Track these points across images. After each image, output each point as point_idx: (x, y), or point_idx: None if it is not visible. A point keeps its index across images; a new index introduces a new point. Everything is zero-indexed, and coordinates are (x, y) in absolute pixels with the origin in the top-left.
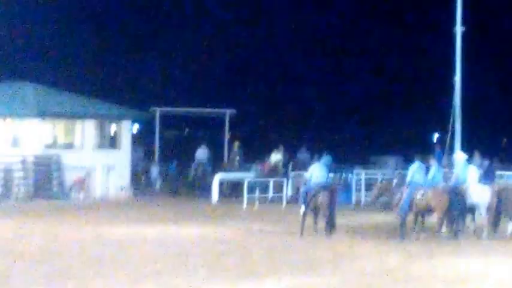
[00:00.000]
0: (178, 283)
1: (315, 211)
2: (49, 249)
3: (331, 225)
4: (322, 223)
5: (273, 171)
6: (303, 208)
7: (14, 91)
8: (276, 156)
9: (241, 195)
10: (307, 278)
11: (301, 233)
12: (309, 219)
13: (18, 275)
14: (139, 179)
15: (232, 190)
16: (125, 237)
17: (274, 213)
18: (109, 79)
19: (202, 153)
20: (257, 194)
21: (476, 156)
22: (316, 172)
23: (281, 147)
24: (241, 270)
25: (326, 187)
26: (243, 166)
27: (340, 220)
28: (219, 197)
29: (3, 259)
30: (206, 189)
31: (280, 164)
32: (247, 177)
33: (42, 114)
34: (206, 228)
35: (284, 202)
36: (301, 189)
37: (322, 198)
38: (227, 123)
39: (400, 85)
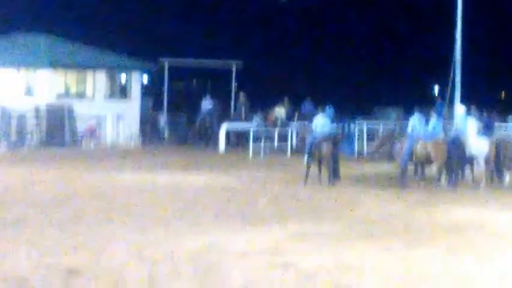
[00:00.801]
0: (185, 229)
1: (319, 161)
2: (61, 196)
3: (334, 175)
4: (325, 173)
5: (275, 124)
6: (306, 158)
7: (27, 42)
8: (279, 110)
9: (248, 144)
10: (311, 225)
11: (305, 183)
12: (313, 169)
13: (32, 221)
14: (148, 129)
15: (238, 140)
16: (134, 184)
17: (279, 163)
18: (119, 31)
19: (207, 104)
20: (263, 143)
21: (473, 110)
22: (320, 123)
23: (286, 100)
24: (247, 217)
25: (329, 138)
26: (249, 116)
27: (343, 170)
28: (226, 146)
29: (16, 205)
30: (212, 139)
31: (283, 118)
32: (252, 127)
33: (55, 64)
34: (213, 177)
35: (289, 152)
36: (307, 140)
37: (326, 148)
38: (234, 75)
39: (401, 39)
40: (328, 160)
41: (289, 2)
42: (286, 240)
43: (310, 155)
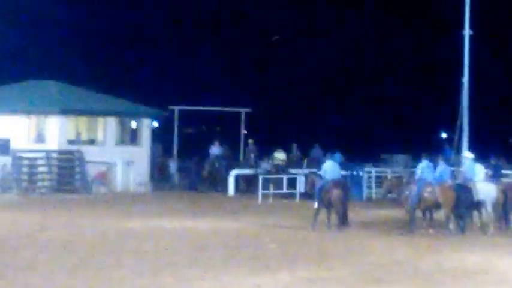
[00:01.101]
0: (194, 274)
1: (328, 207)
2: (72, 241)
3: (344, 221)
4: (334, 218)
5: (276, 170)
6: (316, 204)
7: (39, 89)
8: (279, 155)
9: (256, 190)
10: (319, 271)
11: (313, 228)
12: (322, 215)
13: (42, 266)
14: (158, 174)
15: (247, 185)
16: (144, 229)
17: (288, 208)
18: (130, 78)
19: (216, 149)
20: (271, 189)
21: (492, 161)
22: (330, 168)
23: (294, 146)
24: (256, 263)
25: (339, 184)
26: (258, 162)
27: (351, 215)
28: (235, 191)
29: (28, 250)
30: (221, 184)
31: (282, 164)
32: (261, 172)
33: (65, 110)
34: (222, 222)
35: (298, 197)
36: (316, 186)
37: (336, 193)
38: (243, 121)
39: (410, 85)
40: (338, 205)
41: (281, 39)
42: (294, 286)
43: (320, 199)
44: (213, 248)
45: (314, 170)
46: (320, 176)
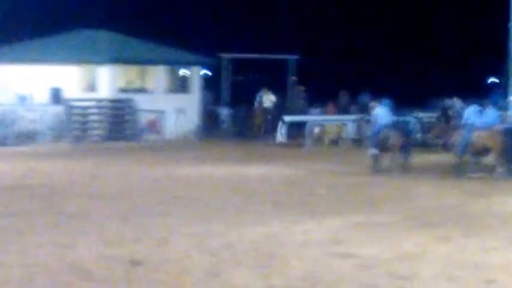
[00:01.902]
0: (245, 220)
1: (385, 151)
2: (123, 188)
3: (406, 165)
4: (388, 163)
5: (265, 113)
6: (372, 149)
7: (89, 38)
8: (267, 97)
9: (305, 136)
10: (368, 215)
11: (374, 173)
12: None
13: (94, 213)
14: (208, 122)
15: (296, 132)
16: (194, 176)
17: (336, 154)
18: (180, 26)
19: (265, 96)
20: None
21: None
22: (382, 114)
23: (343, 93)
24: (305, 209)
25: (398, 127)
26: (307, 109)
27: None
28: (284, 138)
29: (79, 198)
30: (271, 131)
31: (270, 106)
32: (310, 119)
33: (116, 60)
34: (271, 168)
35: (344, 143)
36: (368, 131)
37: (396, 138)
38: (291, 68)
39: (458, 31)
40: (398, 150)
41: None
42: (344, 231)
43: (377, 145)
44: (262, 194)
45: (362, 115)
46: (368, 121)
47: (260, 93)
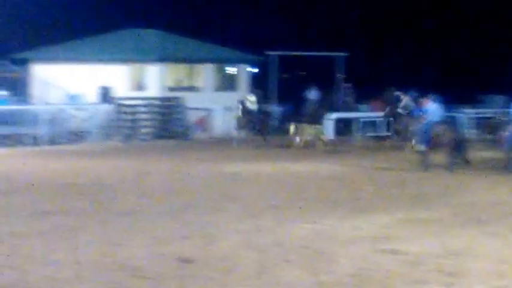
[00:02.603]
0: (293, 216)
1: (436, 148)
2: (172, 186)
3: (464, 161)
4: (437, 159)
5: (250, 116)
6: (420, 146)
7: (138, 37)
8: (250, 98)
9: (353, 133)
10: (418, 211)
11: (423, 169)
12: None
13: (145, 211)
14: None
15: (344, 129)
16: (244, 173)
17: (385, 150)
18: (227, 24)
19: (314, 94)
20: (368, 132)
21: None
22: (433, 110)
23: (390, 89)
24: (354, 205)
25: (448, 124)
26: (355, 106)
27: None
28: (333, 135)
29: (130, 196)
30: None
31: (254, 107)
32: (359, 116)
33: (165, 59)
34: (320, 165)
35: (393, 140)
36: (416, 128)
37: (450, 135)
38: (339, 65)
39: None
40: (452, 147)
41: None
42: (393, 227)
43: (427, 141)
44: (310, 191)
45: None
46: (411, 116)
47: (310, 91)
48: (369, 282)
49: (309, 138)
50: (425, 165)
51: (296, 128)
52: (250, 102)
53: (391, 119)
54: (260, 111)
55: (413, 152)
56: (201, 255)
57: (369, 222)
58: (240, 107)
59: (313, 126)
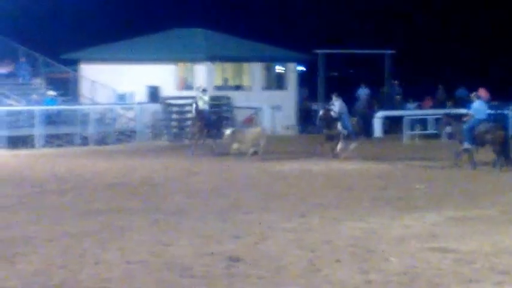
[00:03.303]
0: (342, 215)
1: (481, 146)
2: (221, 185)
3: (508, 160)
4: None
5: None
6: (466, 144)
7: (186, 37)
8: (204, 97)
9: (401, 131)
10: (467, 210)
11: (474, 167)
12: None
13: (193, 210)
14: (305, 118)
15: (392, 126)
16: (291, 172)
17: (433, 148)
18: (274, 23)
19: (363, 92)
20: (417, 130)
21: None
22: (479, 108)
23: (441, 88)
24: (403, 204)
25: (496, 124)
26: (403, 104)
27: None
28: (380, 133)
29: (178, 195)
30: (367, 126)
31: (205, 107)
32: (407, 114)
33: (212, 58)
34: (368, 163)
35: (442, 137)
36: (463, 126)
37: (499, 134)
38: (387, 63)
39: None
40: (498, 145)
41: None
42: (442, 225)
43: (472, 139)
44: (359, 189)
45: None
46: (449, 115)
47: (360, 89)
48: (419, 281)
49: (245, 146)
50: (472, 163)
51: (233, 133)
52: (203, 101)
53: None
54: (211, 112)
55: (460, 150)
56: (250, 254)
57: (418, 221)
58: (194, 106)
59: (255, 132)
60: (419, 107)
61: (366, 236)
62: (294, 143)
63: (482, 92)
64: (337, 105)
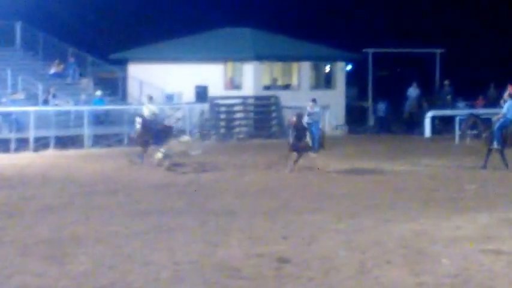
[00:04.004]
0: (393, 217)
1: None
2: (269, 185)
3: None
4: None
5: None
6: (494, 144)
7: (234, 36)
8: (150, 107)
9: (453, 131)
10: None
11: (506, 167)
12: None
13: (242, 211)
14: (355, 117)
15: (443, 126)
16: (341, 172)
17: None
18: (322, 22)
19: (414, 91)
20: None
21: None
22: (507, 107)
23: (491, 85)
24: (455, 205)
25: None
26: (454, 103)
27: None
28: (431, 133)
29: (227, 196)
30: (417, 126)
31: (154, 116)
32: (459, 113)
33: (260, 57)
34: (419, 164)
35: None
36: (495, 126)
37: None
38: (438, 62)
39: None
40: None
41: None
42: (495, 227)
43: (500, 139)
44: (410, 190)
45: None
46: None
47: (410, 88)
48: (472, 283)
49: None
50: (505, 163)
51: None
52: (149, 110)
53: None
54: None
55: (487, 151)
56: (299, 255)
57: (470, 222)
58: (139, 119)
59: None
60: (471, 107)
61: (417, 237)
62: (343, 143)
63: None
64: (314, 113)
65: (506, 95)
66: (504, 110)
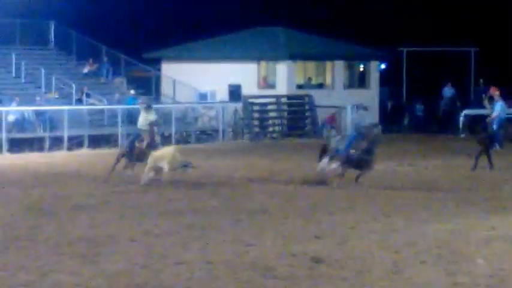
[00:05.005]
0: (427, 217)
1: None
2: (302, 185)
3: None
4: None
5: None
6: (497, 146)
7: (267, 35)
8: (148, 116)
9: None
10: None
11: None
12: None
13: (276, 210)
14: (391, 117)
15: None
16: (376, 171)
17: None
18: (356, 21)
19: (448, 90)
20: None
21: None
22: (498, 107)
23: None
24: (490, 204)
25: None
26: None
27: None
28: (466, 132)
29: (260, 195)
30: (452, 125)
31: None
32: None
33: (294, 56)
34: (453, 163)
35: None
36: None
37: None
38: (472, 61)
39: None
40: None
41: None
42: None
43: (499, 140)
44: (444, 190)
45: None
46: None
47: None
48: (508, 284)
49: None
50: (491, 163)
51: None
52: (144, 118)
53: None
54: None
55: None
56: (333, 255)
57: (506, 222)
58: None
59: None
60: (508, 106)
61: (451, 237)
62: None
63: (494, 90)
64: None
65: (493, 95)
66: (497, 110)
